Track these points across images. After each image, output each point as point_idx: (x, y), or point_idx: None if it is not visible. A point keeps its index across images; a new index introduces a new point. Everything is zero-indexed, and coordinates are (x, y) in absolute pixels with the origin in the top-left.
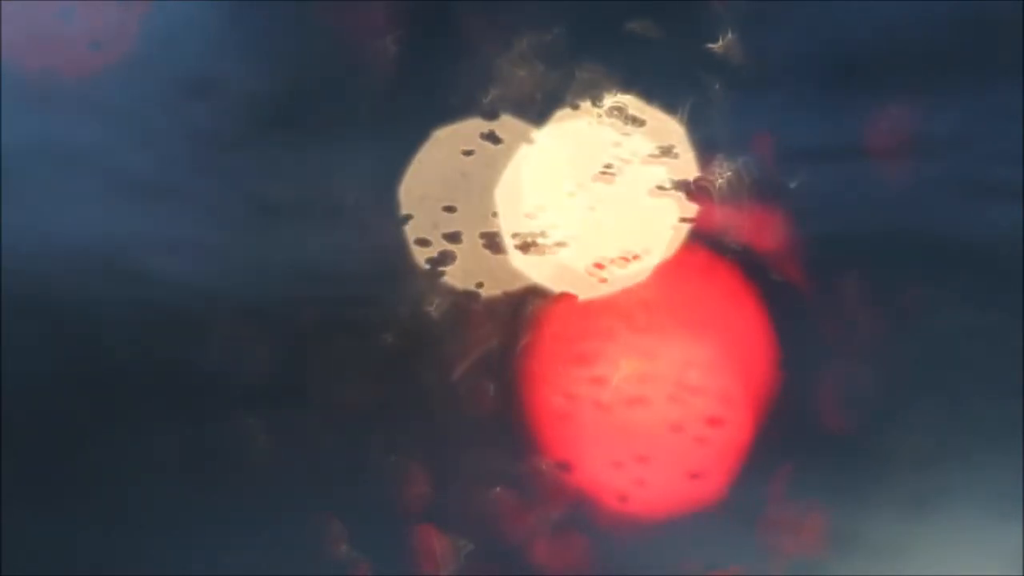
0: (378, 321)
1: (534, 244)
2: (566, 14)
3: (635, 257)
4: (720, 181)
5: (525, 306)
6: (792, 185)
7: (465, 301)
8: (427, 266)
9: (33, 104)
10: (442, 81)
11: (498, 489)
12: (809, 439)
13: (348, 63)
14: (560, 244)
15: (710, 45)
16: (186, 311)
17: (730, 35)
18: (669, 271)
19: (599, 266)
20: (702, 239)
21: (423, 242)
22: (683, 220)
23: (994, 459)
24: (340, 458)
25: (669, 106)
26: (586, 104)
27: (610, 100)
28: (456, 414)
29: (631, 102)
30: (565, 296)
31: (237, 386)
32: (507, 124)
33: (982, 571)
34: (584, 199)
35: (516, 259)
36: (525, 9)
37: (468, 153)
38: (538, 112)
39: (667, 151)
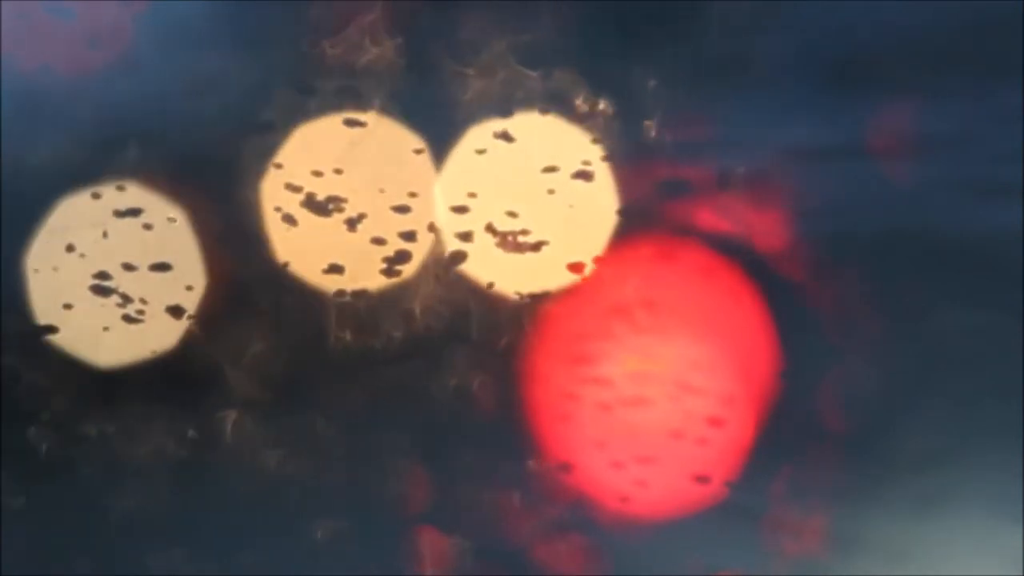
0: (378, 320)
1: (515, 243)
2: (559, 12)
3: (612, 255)
4: (718, 180)
5: (525, 306)
6: (792, 185)
7: (465, 300)
8: (435, 265)
9: (32, 102)
10: (426, 83)
11: (498, 489)
12: (810, 439)
13: (337, 64)
14: (542, 243)
15: (710, 44)
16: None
17: (730, 35)
18: (666, 269)
19: (579, 265)
20: (702, 238)
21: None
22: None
23: (995, 460)
24: (340, 458)
25: (666, 106)
26: (568, 102)
27: (596, 100)
28: (456, 414)
29: (622, 101)
30: (565, 296)
31: (237, 386)
32: (490, 123)
33: (983, 571)
34: (563, 197)
35: (492, 258)
36: (516, 9)
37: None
38: (515, 110)
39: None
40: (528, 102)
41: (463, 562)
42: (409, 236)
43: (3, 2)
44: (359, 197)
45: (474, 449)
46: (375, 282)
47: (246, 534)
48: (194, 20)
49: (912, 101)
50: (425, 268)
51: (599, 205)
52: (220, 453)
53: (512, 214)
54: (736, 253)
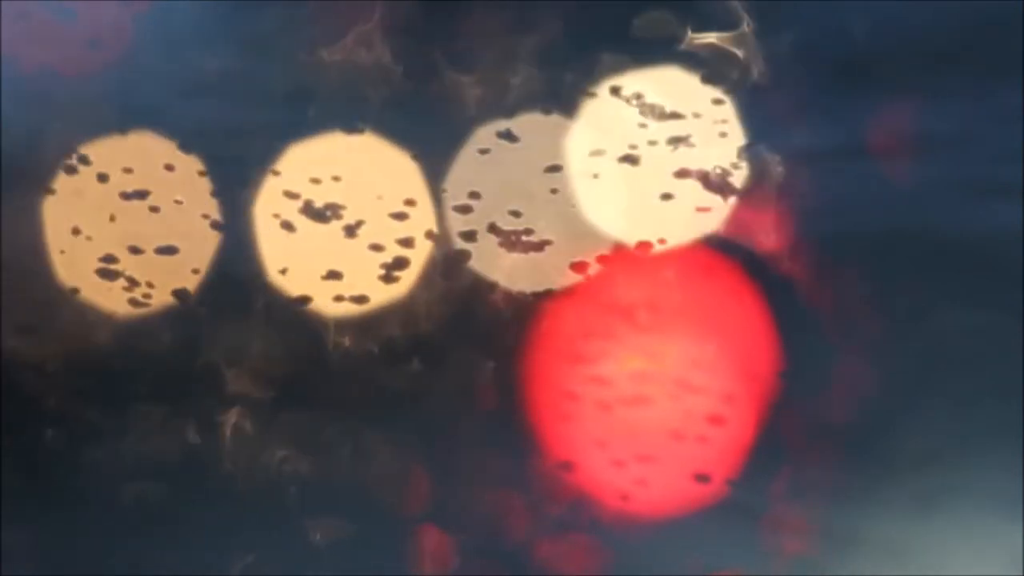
0: (378, 320)
1: (518, 242)
2: (566, 13)
3: (620, 253)
4: (717, 181)
5: (526, 305)
6: (793, 185)
7: (468, 299)
8: (438, 263)
9: (33, 103)
10: (436, 83)
11: (498, 489)
12: (810, 439)
13: (347, 62)
14: (545, 242)
15: (711, 45)
16: (188, 309)
17: (731, 35)
18: (666, 269)
19: (582, 265)
20: (702, 238)
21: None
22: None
23: (994, 459)
24: (341, 458)
25: (665, 107)
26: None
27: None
28: (456, 414)
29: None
30: (565, 295)
31: (237, 386)
32: (497, 123)
33: (982, 571)
34: (566, 196)
35: (495, 257)
36: (527, 8)
37: (484, 152)
38: (518, 110)
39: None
40: (531, 102)
41: (463, 561)
42: (407, 242)
43: (3, 2)
44: (357, 204)
45: (474, 449)
46: (373, 288)
47: (246, 534)
48: (194, 20)
49: (912, 101)
50: (426, 271)
51: (603, 204)
52: (220, 453)
53: (515, 213)
54: (736, 253)
